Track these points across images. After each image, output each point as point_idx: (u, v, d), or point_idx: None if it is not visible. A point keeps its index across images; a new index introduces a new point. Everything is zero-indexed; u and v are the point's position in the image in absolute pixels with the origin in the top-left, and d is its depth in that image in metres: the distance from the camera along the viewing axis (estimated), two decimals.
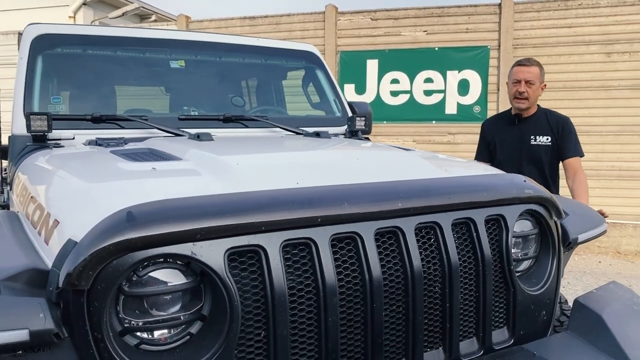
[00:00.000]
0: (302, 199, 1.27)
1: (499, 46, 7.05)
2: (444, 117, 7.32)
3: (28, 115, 2.12)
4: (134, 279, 1.13)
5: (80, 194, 1.35)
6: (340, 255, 1.32)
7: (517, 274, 1.68)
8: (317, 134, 2.49)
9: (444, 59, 7.26)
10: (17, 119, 2.29)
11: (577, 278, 5.70)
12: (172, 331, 1.19)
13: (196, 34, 2.92)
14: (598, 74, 6.73)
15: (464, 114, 7.26)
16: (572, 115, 7.42)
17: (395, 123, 7.48)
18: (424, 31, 7.34)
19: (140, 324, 1.14)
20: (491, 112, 7.14)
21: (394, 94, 7.48)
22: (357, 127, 2.89)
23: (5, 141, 2.57)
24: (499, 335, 1.59)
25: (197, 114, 2.65)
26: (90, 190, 1.37)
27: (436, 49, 7.29)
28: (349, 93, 7.64)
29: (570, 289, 5.35)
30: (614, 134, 6.74)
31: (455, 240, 1.49)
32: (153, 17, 16.24)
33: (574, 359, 1.49)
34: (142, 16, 16.53)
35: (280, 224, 1.23)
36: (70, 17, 12.33)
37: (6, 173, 2.31)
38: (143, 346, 1.15)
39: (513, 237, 1.65)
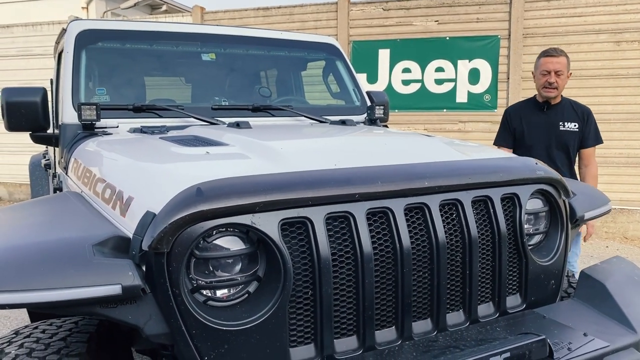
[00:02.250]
0: (342, 178, 1.47)
1: (509, 36, 7.16)
2: (455, 105, 7.46)
3: (79, 105, 2.31)
4: (203, 245, 1.33)
5: (149, 173, 1.55)
6: (374, 227, 1.52)
7: (529, 247, 1.87)
8: (343, 122, 2.67)
9: (454, 49, 7.38)
10: (67, 109, 2.49)
11: (584, 262, 5.86)
12: (232, 290, 1.39)
13: (225, 28, 3.10)
14: (607, 62, 6.84)
15: (475, 102, 7.39)
16: (582, 103, 7.56)
17: (407, 112, 7.63)
18: (435, 21, 7.45)
19: (207, 283, 1.34)
20: (501, 101, 7.28)
21: (406, 83, 7.62)
22: (376, 115, 3.07)
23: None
24: (513, 301, 1.78)
25: (227, 104, 2.84)
26: (158, 170, 1.57)
27: (447, 38, 7.41)
28: (362, 82, 7.78)
29: (577, 272, 5.51)
30: (622, 122, 6.86)
31: (474, 216, 1.68)
32: (164, 8, 16.36)
33: (579, 320, 1.68)
34: (153, 6, 16.66)
35: (324, 199, 1.42)
36: (83, 7, 12.52)
37: (61, 158, 2.52)
38: (209, 302, 1.35)
39: (525, 213, 1.83)
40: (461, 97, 7.44)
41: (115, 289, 1.22)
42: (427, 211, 1.58)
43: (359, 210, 1.48)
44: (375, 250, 1.50)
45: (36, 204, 1.94)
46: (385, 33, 7.65)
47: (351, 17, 7.75)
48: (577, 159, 3.38)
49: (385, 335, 1.53)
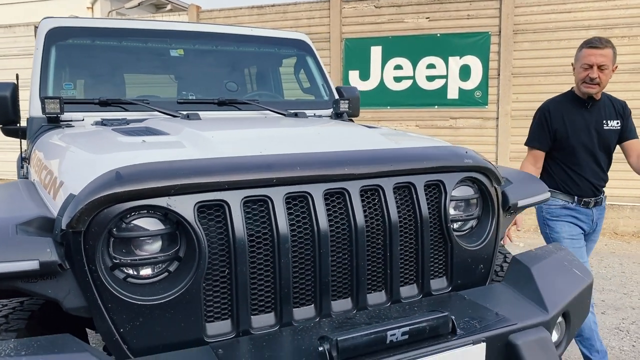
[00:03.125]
0: (260, 164, 1.55)
1: (500, 32, 7.19)
2: (446, 102, 7.51)
3: (43, 99, 2.43)
4: (121, 225, 1.43)
5: (80, 161, 1.65)
6: (293, 210, 1.60)
7: (461, 233, 1.94)
8: (295, 114, 2.76)
9: (445, 45, 7.43)
10: (33, 103, 2.61)
11: None
12: (154, 269, 1.49)
13: (193, 25, 3.20)
14: None
15: (466, 98, 7.43)
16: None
17: (399, 108, 7.69)
18: (427, 18, 7.50)
19: (127, 261, 1.44)
20: (492, 97, 7.31)
21: (397, 79, 7.69)
22: (341, 109, 3.14)
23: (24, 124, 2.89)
24: (438, 283, 1.85)
25: (194, 98, 2.94)
26: (88, 157, 1.67)
27: (438, 35, 7.46)
28: (354, 79, 7.87)
29: None
30: None
31: (397, 201, 1.75)
32: (168, 7, 16.49)
33: (498, 302, 1.75)
34: (158, 6, 16.81)
35: (241, 184, 1.51)
36: (88, 7, 12.71)
37: (26, 151, 2.64)
38: (129, 279, 1.45)
39: (456, 200, 1.91)
40: (452, 94, 7.49)
41: (33, 264, 1.32)
42: (347, 196, 1.66)
43: (277, 195, 1.56)
44: (293, 232, 1.59)
45: None
46: (377, 30, 7.72)
47: (344, 14, 7.83)
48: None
49: (304, 312, 1.61)
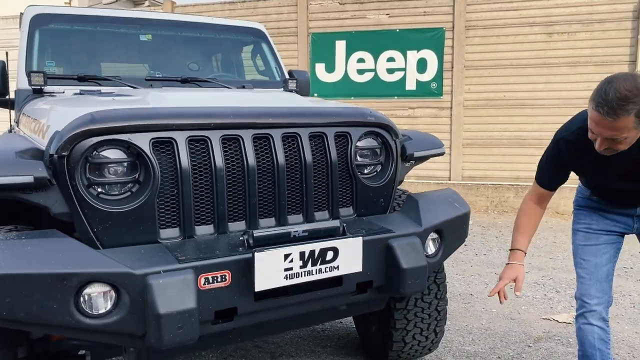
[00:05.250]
0: (201, 112, 2.06)
1: (453, 27, 7.79)
2: (405, 93, 8.09)
3: (29, 72, 2.90)
4: (95, 154, 1.92)
5: (63, 112, 2.15)
6: (228, 149, 2.11)
7: (369, 175, 2.47)
8: (242, 86, 3.28)
9: (404, 40, 8.01)
10: (20, 77, 3.08)
11: (510, 232, 6.50)
12: (120, 189, 1.98)
13: (160, 14, 3.68)
14: (540, 52, 7.49)
15: (423, 90, 8.03)
16: (518, 90, 8.21)
17: (361, 99, 8.24)
18: (387, 14, 8.07)
19: (99, 181, 1.93)
20: (446, 88, 7.91)
21: (360, 72, 8.24)
22: (290, 87, 3.66)
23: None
24: (346, 211, 2.38)
25: (161, 76, 3.43)
26: (69, 109, 2.16)
27: (397, 30, 8.04)
28: (320, 72, 8.40)
29: (501, 239, 6.16)
30: (555, 107, 7.51)
31: (311, 147, 2.28)
32: (146, 3, 16.77)
33: (388, 222, 2.28)
34: (136, 2, 17.06)
35: (185, 126, 2.01)
36: (66, 2, 12.98)
37: (14, 120, 3.10)
38: (101, 195, 1.95)
39: (362, 149, 2.44)
40: (410, 85, 8.08)
41: (29, 178, 1.81)
42: (271, 140, 2.18)
43: (215, 136, 2.07)
44: (228, 165, 2.10)
45: None
46: (342, 26, 8.26)
47: (310, 10, 8.34)
48: None
49: (237, 226, 2.13)
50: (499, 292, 2.28)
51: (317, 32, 8.34)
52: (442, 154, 2.81)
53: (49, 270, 1.62)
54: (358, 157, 2.43)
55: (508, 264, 2.38)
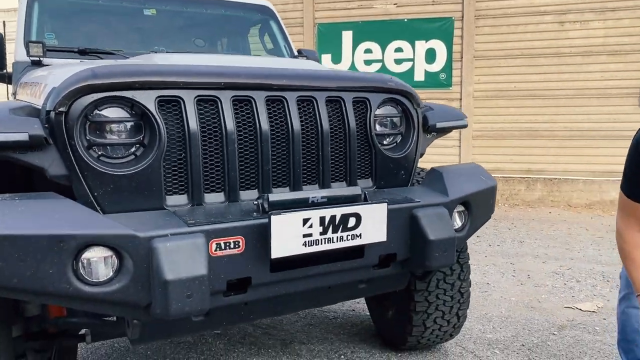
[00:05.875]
0: (210, 71, 1.91)
1: (463, 17, 7.63)
2: (413, 84, 7.89)
3: (27, 43, 2.74)
4: (96, 112, 1.76)
5: (61, 72, 1.99)
6: (239, 111, 1.95)
7: (389, 146, 2.30)
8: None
9: (412, 30, 7.85)
10: (18, 49, 2.92)
11: (523, 223, 6.34)
12: (123, 152, 1.82)
13: None
14: (552, 42, 7.32)
15: (431, 80, 7.86)
16: (529, 80, 8.02)
17: None
18: (394, 4, 7.91)
19: (100, 142, 1.77)
20: (455, 79, 7.75)
21: (367, 62, 8.08)
22: None
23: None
24: (364, 183, 2.22)
25: (165, 50, 3.27)
26: (69, 69, 2.00)
27: (405, 20, 7.88)
28: (326, 63, 8.23)
29: (514, 231, 5.99)
30: (567, 97, 7.34)
31: (328, 112, 2.12)
32: None
33: (410, 193, 2.12)
34: None
35: (194, 85, 1.85)
36: None
37: (13, 94, 2.95)
38: (103, 158, 1.79)
39: (381, 117, 2.28)
40: (419, 76, 7.91)
41: (23, 136, 1.65)
42: (285, 103, 2.02)
43: (225, 96, 1.91)
44: (239, 128, 1.94)
45: None
46: (348, 16, 8.10)
47: (316, 0, 8.19)
48: None
49: (249, 194, 1.96)
50: None
51: (323, 22, 8.19)
52: (464, 126, 2.65)
53: (44, 232, 1.46)
54: (377, 126, 2.27)
55: None
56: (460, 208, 2.17)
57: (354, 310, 3.54)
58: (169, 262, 1.50)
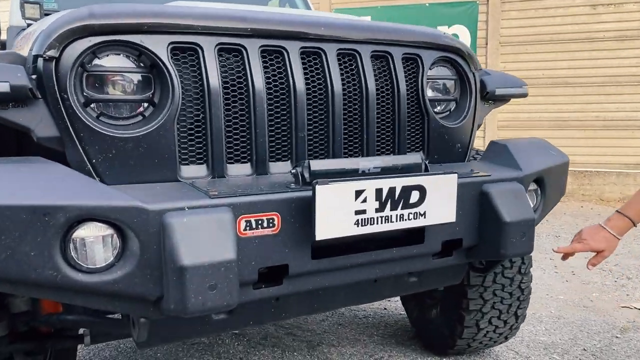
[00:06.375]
0: (234, 14, 1.55)
1: (487, 1, 7.23)
2: None
3: (23, 3, 2.41)
4: (94, 61, 1.42)
5: (52, 18, 1.65)
6: (270, 65, 1.60)
7: (441, 115, 1.95)
8: None
9: (434, 15, 7.46)
10: (13, 13, 2.59)
11: (556, 218, 5.94)
12: (129, 111, 1.48)
13: None
14: (583, 25, 6.91)
15: None
16: (559, 67, 7.61)
17: None
18: None
19: (100, 97, 1.43)
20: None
21: None
22: None
23: None
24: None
25: None
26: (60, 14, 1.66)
27: (427, 5, 7.50)
28: None
29: (548, 225, 5.59)
30: (599, 85, 6.93)
31: (374, 70, 1.76)
32: None
33: (468, 169, 1.76)
34: None
35: (215, 30, 1.50)
36: None
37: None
38: (102, 118, 1.44)
39: (434, 79, 1.92)
40: None
41: (4, 87, 1.30)
42: (323, 57, 1.67)
43: (252, 46, 1.56)
44: (269, 85, 1.59)
45: None
46: (367, 0, 7.74)
47: None
48: None
49: (281, 167, 1.61)
50: (566, 254, 1.79)
51: (341, 7, 7.82)
52: (525, 94, 2.28)
53: (24, 202, 1.11)
54: (429, 91, 1.91)
55: (601, 226, 1.77)
56: (533, 186, 1.81)
57: (385, 308, 3.18)
58: (186, 243, 1.15)
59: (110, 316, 1.74)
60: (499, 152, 1.89)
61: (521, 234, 1.56)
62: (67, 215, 1.12)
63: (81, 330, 1.80)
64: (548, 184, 1.84)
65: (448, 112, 1.99)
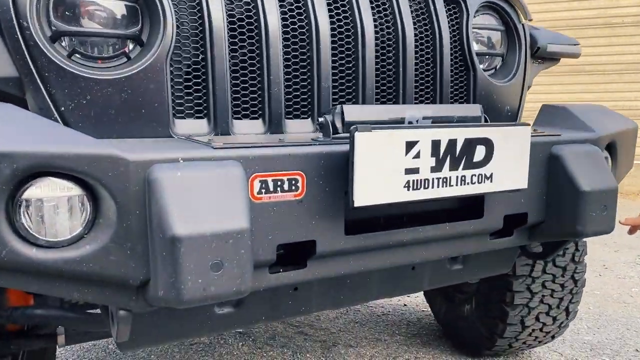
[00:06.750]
0: None
1: None
2: None
3: None
4: None
5: None
6: (287, 3, 1.29)
7: (485, 70, 1.64)
8: None
9: None
10: None
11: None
12: (110, 50, 1.17)
13: None
14: (602, 11, 6.60)
15: None
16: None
17: None
18: None
19: (72, 31, 1.12)
20: None
21: None
22: None
23: None
24: None
25: None
26: None
27: None
28: None
29: None
30: (619, 73, 6.62)
31: (412, 11, 1.45)
32: None
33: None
34: None
35: None
36: None
37: None
38: (75, 57, 1.13)
39: (479, 28, 1.62)
40: None
41: None
42: None
43: None
44: (285, 22, 1.28)
45: None
46: None
47: None
48: None
49: (299, 125, 1.30)
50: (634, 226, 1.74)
51: None
52: (577, 54, 1.97)
53: None
54: (474, 43, 1.60)
55: None
56: (604, 154, 1.49)
57: (405, 305, 2.87)
58: (180, 206, 0.83)
59: (91, 310, 1.43)
60: (558, 114, 1.58)
61: (602, 207, 1.25)
62: (14, 165, 0.81)
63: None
64: (620, 151, 1.53)
65: (493, 70, 1.68)
